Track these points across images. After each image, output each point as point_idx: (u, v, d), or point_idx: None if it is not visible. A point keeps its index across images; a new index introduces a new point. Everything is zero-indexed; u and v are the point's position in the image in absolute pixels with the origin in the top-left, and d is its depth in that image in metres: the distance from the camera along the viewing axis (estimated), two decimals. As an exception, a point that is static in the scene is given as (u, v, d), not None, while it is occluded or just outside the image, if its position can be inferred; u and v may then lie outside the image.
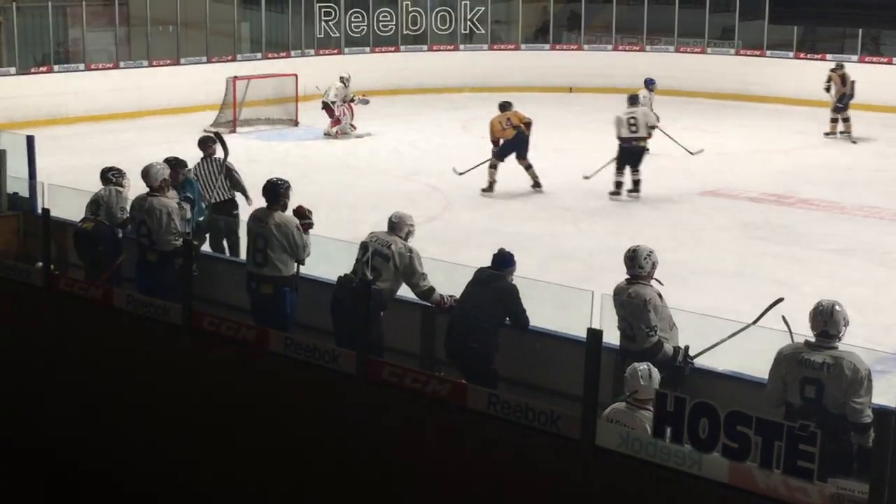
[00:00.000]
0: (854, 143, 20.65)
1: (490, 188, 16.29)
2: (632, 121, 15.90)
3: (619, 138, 15.98)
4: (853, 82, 20.99)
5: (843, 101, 21.11)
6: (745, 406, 5.13)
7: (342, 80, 21.40)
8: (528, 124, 16.35)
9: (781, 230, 14.47)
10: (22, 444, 8.25)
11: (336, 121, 21.31)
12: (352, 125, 21.56)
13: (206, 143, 11.52)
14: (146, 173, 9.05)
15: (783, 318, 6.90)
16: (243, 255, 8.96)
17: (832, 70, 21.63)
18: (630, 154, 15.98)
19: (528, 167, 16.43)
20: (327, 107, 21.33)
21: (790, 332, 6.70)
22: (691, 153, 18.15)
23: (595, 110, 24.31)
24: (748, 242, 13.90)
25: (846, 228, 14.64)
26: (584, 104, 25.22)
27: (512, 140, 16.23)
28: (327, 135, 21.37)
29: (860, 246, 13.75)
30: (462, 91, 26.14)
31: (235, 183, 11.50)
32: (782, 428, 4.85)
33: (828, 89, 21.22)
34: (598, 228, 14.51)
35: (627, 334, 7.13)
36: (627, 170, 16.04)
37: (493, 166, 16.34)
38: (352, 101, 21.38)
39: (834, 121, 21.16)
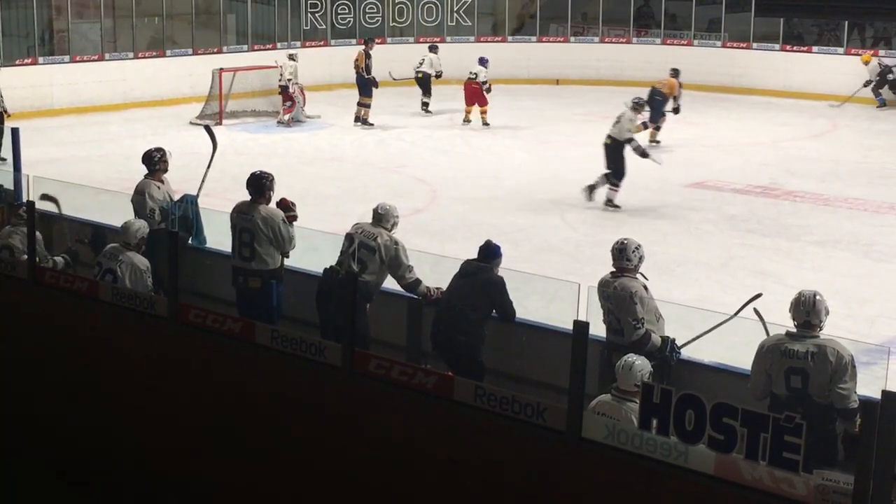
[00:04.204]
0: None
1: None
2: None
3: None
4: None
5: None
6: (731, 398, 5.14)
7: (292, 57, 21.63)
8: None
9: (767, 222, 14.52)
10: (5, 439, 8.22)
11: (289, 108, 21.37)
12: (303, 110, 21.73)
13: None
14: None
15: (755, 310, 6.94)
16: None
17: None
18: None
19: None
20: (285, 91, 21.41)
21: (764, 325, 6.75)
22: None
23: (582, 102, 24.36)
24: (734, 234, 13.94)
25: (831, 220, 14.68)
26: (571, 96, 25.23)
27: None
28: (280, 123, 21.42)
29: (845, 238, 13.80)
30: (449, 83, 26.07)
31: None
32: (768, 419, 4.86)
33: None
34: (584, 220, 14.52)
35: (614, 327, 7.14)
36: None
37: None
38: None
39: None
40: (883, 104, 23.33)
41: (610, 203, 14.97)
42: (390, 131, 20.90)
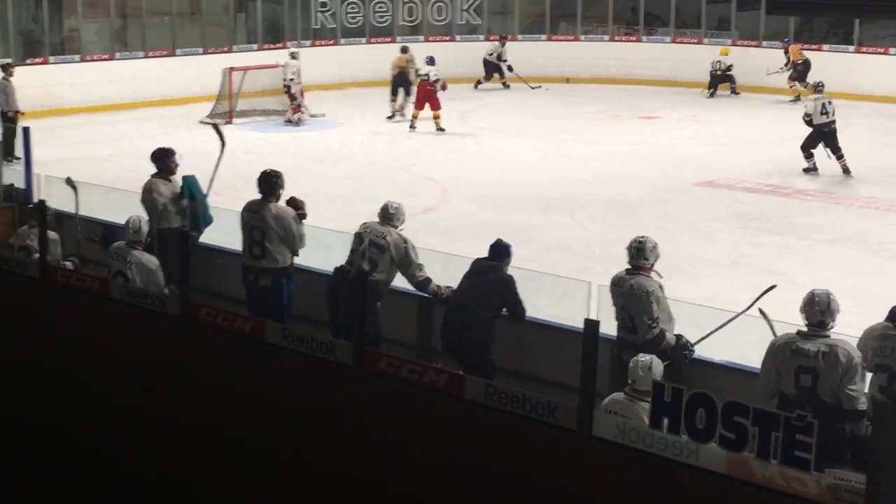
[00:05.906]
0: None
1: None
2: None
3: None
4: None
5: None
6: (742, 396, 5.13)
7: (293, 56, 21.60)
8: None
9: (777, 220, 14.49)
10: (13, 438, 8.23)
11: (297, 107, 21.37)
12: (305, 108, 21.73)
13: None
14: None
15: (760, 310, 6.92)
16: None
17: None
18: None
19: None
20: (289, 90, 21.38)
21: (770, 325, 6.73)
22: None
23: (591, 101, 24.34)
24: (744, 232, 13.92)
25: (841, 219, 14.66)
26: (581, 95, 25.21)
27: None
28: (289, 122, 21.41)
29: (855, 236, 13.77)
30: (460, 81, 26.09)
31: None
32: (779, 418, 4.84)
33: None
34: (594, 219, 14.51)
35: (627, 325, 7.13)
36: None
37: None
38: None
39: None
40: (712, 96, 25.07)
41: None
42: (400, 130, 20.89)
